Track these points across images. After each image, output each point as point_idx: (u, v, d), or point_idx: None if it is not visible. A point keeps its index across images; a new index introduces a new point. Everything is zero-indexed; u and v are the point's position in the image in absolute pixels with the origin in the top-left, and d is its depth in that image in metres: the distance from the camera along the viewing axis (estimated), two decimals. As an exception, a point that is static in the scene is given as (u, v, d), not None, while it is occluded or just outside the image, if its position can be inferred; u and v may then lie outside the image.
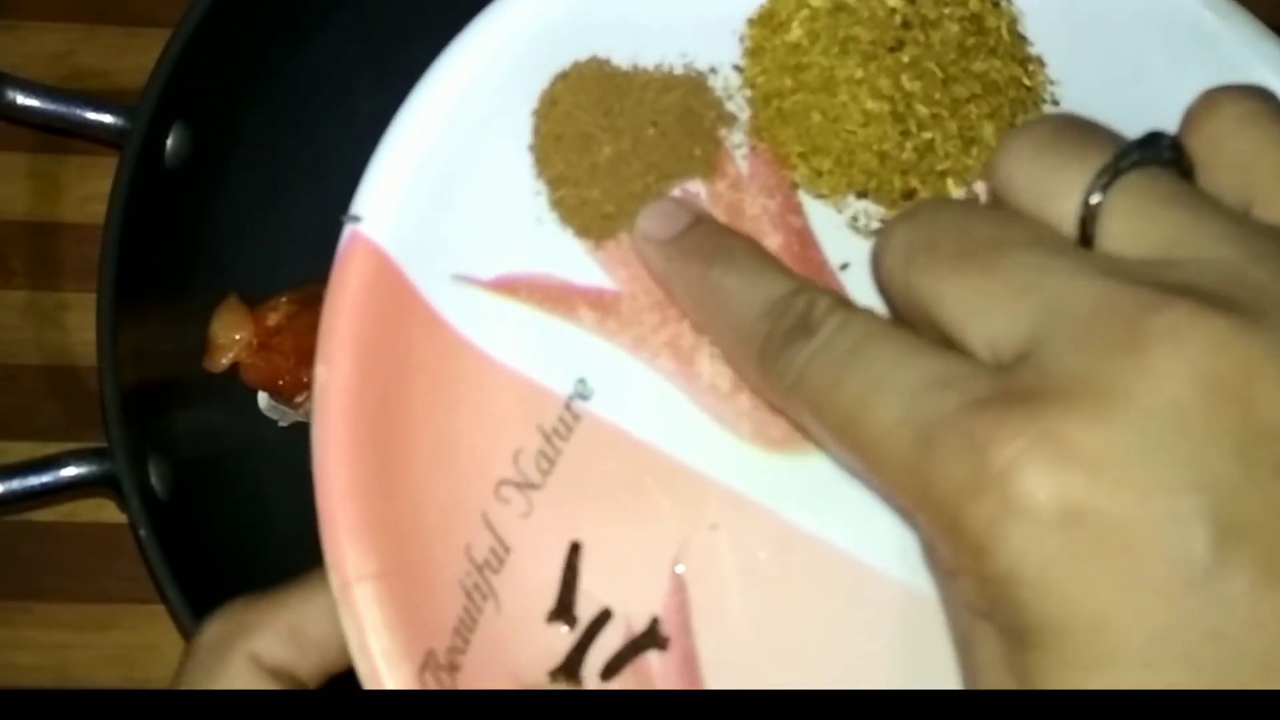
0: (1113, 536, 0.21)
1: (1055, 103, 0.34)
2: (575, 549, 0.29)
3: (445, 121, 0.31)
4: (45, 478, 0.42)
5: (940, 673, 0.28)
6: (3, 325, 0.50)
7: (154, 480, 0.45)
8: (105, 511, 0.48)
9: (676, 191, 0.32)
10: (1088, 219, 0.24)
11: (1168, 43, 0.34)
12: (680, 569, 0.29)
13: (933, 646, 0.29)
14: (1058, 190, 0.25)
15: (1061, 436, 0.22)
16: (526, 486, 0.29)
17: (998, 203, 0.27)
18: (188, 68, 0.43)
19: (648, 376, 0.30)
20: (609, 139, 0.32)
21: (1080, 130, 0.26)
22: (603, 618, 0.28)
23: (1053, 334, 0.23)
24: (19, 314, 0.50)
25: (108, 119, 0.45)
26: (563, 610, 0.28)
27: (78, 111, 0.45)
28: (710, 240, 0.30)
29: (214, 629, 0.29)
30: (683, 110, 0.32)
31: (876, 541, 0.29)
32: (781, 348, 0.26)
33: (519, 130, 0.32)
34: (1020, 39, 0.34)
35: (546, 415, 0.30)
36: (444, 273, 0.30)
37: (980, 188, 0.33)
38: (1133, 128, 0.34)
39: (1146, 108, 0.34)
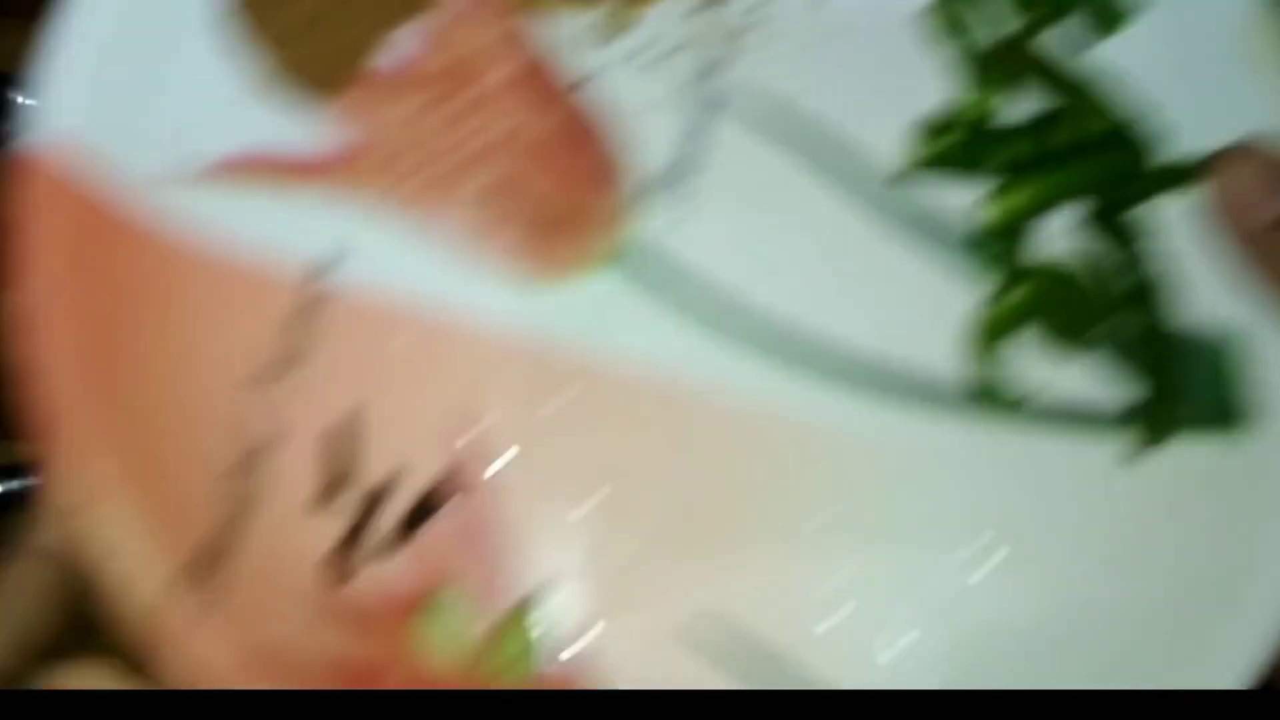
0: None
1: None
2: (347, 421, 0.27)
3: (119, 12, 0.29)
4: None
5: (738, 476, 0.28)
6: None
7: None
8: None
9: (401, 31, 0.30)
10: None
11: None
12: (473, 425, 0.28)
13: (733, 447, 0.28)
14: None
15: None
16: (284, 373, 0.28)
17: None
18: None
19: (398, 231, 0.29)
20: (317, -15, 0.30)
21: None
22: (388, 484, 0.27)
23: None
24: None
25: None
26: (334, 490, 0.27)
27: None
28: None
29: None
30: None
31: (666, 354, 0.28)
32: None
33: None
34: None
35: (297, 295, 0.28)
36: (150, 175, 0.28)
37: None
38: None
39: None
